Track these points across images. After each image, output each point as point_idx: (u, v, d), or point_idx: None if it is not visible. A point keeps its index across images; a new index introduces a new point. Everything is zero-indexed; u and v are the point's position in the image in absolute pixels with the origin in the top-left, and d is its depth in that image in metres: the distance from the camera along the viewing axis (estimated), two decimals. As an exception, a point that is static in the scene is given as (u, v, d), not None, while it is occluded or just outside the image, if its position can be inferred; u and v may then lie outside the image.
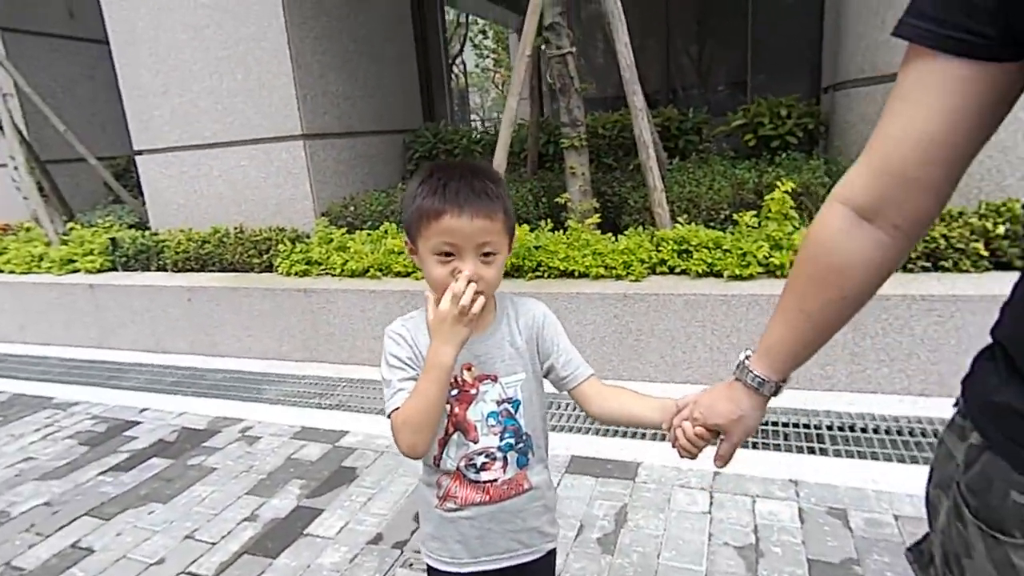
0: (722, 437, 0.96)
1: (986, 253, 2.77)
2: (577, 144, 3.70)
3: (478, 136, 5.50)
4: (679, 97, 6.01)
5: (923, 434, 2.37)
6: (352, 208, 4.43)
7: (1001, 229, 2.79)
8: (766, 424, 2.51)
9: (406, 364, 1.04)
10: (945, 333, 2.57)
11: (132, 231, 5.01)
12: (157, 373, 3.86)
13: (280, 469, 2.58)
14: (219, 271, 4.44)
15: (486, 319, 1.08)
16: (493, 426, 1.07)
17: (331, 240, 4.06)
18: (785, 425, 2.51)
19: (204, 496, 2.43)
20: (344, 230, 4.14)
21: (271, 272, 4.20)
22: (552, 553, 1.20)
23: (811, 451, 2.34)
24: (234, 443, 2.86)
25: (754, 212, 3.23)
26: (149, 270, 4.65)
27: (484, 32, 19.79)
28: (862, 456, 2.28)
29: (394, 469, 2.49)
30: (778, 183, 3.14)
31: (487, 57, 21.26)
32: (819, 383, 2.76)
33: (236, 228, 4.66)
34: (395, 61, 5.69)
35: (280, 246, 4.14)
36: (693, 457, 0.99)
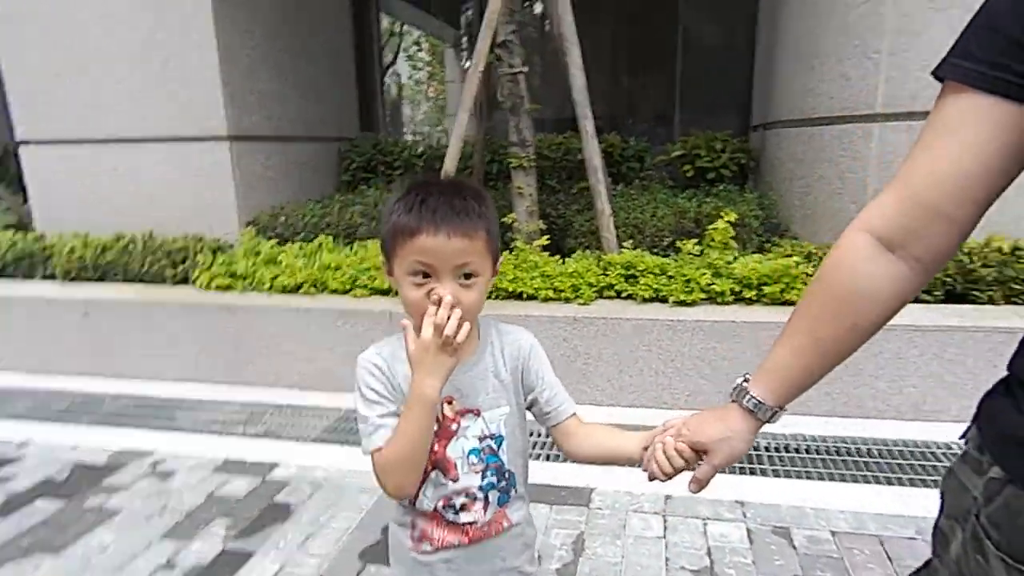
0: (702, 460, 0.91)
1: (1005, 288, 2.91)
2: (526, 164, 3.67)
3: (420, 150, 5.36)
4: (617, 125, 6.19)
5: (848, 453, 2.50)
6: (283, 218, 4.16)
7: None
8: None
9: (384, 398, 0.95)
10: (864, 359, 2.73)
11: (10, 233, 4.44)
12: (43, 399, 3.38)
13: (201, 508, 2.31)
14: (123, 282, 4.02)
15: (468, 347, 0.99)
16: (475, 464, 1.00)
17: (259, 252, 3.78)
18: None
19: (107, 544, 2.12)
20: (274, 242, 3.87)
21: (187, 285, 3.85)
22: None
23: (753, 472, 2.40)
24: (143, 480, 2.54)
25: (695, 240, 3.32)
26: (32, 279, 4.13)
27: (419, 44, 19.65)
28: (798, 476, 2.37)
29: (334, 503, 2.29)
30: (721, 214, 3.25)
31: (421, 69, 21.11)
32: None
33: (145, 235, 4.26)
34: (332, 65, 5.48)
35: (199, 257, 3.80)
36: (666, 477, 0.94)
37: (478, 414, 1.00)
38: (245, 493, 2.39)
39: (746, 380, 0.88)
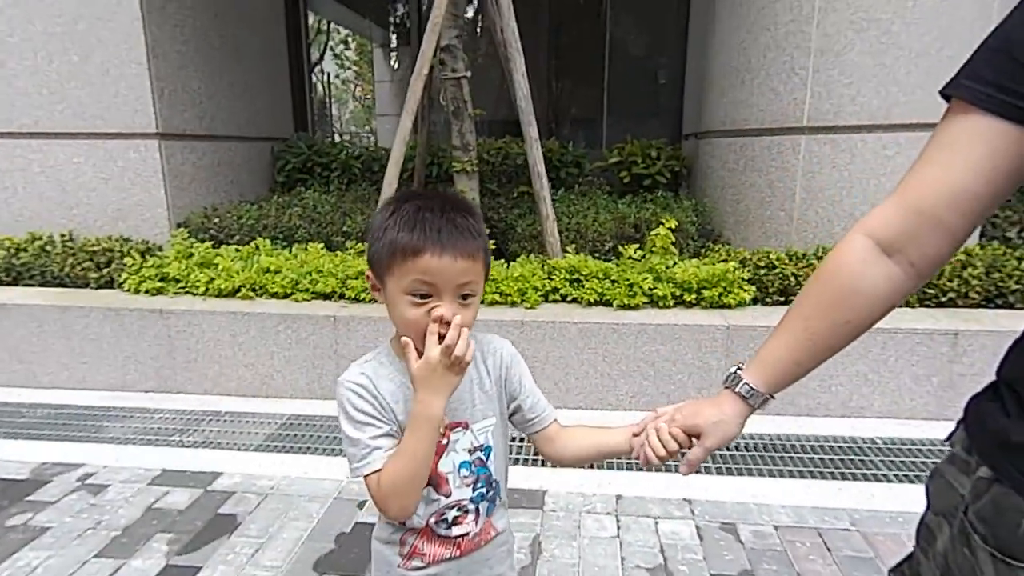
0: (695, 443, 0.96)
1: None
2: (468, 168, 3.70)
3: (357, 152, 5.27)
4: (550, 130, 6.30)
5: (784, 449, 2.66)
6: (217, 220, 4.00)
7: None
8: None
9: (373, 419, 0.93)
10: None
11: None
12: (-49, 410, 3.13)
13: (139, 523, 2.20)
14: (40, 286, 3.76)
15: None
16: (465, 477, 1.00)
17: (191, 255, 3.62)
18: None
19: (36, 564, 1.99)
20: (209, 244, 3.72)
21: (112, 289, 3.64)
22: None
23: (698, 471, 2.46)
24: (72, 494, 2.39)
25: (636, 245, 3.45)
26: (-66, 280, 3.80)
27: (346, 43, 19.20)
28: (740, 473, 2.49)
29: (283, 513, 2.24)
30: (663, 220, 3.39)
31: (348, 69, 20.64)
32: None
33: (64, 236, 3.99)
34: (265, 64, 5.30)
35: (127, 259, 3.61)
36: (660, 461, 0.98)
37: (467, 427, 1.00)
38: (186, 505, 2.30)
39: (739, 369, 0.93)
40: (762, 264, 3.25)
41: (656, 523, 2.18)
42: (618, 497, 2.33)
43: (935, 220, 0.71)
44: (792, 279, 3.19)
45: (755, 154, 3.76)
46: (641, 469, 2.49)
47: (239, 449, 2.71)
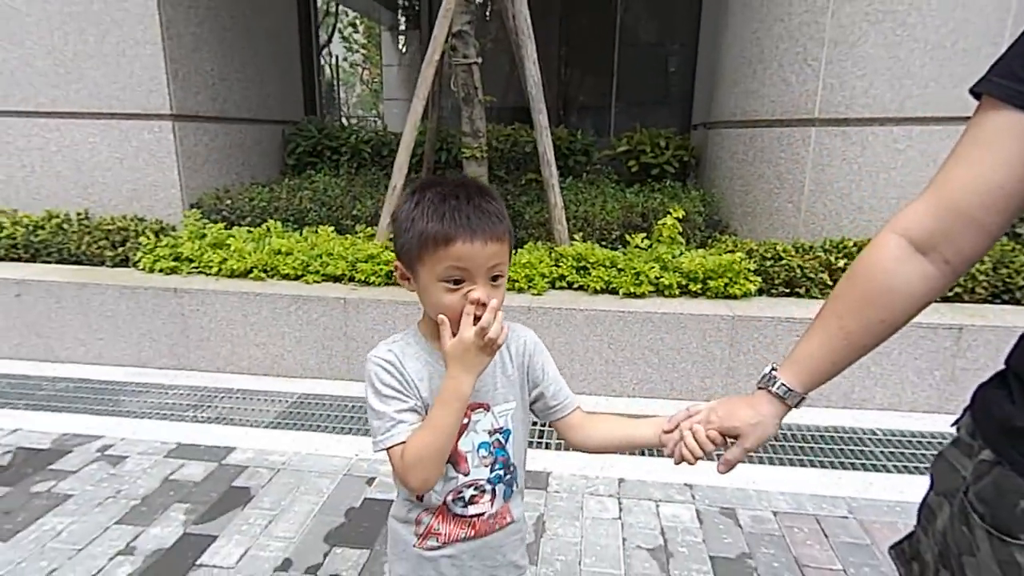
0: (732, 442, 0.98)
1: (831, 282, 3.25)
2: (478, 155, 3.73)
3: (367, 136, 5.30)
4: (559, 118, 6.30)
5: (786, 439, 2.71)
6: (229, 201, 4.06)
7: (842, 263, 3.27)
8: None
9: (399, 393, 0.97)
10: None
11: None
12: (-29, 382, 3.22)
13: (157, 492, 2.28)
14: (57, 263, 3.83)
15: None
16: (484, 457, 1.03)
17: (204, 235, 3.68)
18: (675, 433, 2.74)
19: (60, 529, 2.08)
20: (221, 225, 3.78)
21: (127, 267, 3.71)
22: None
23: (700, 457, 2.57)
24: (92, 464, 2.47)
25: (643, 234, 3.48)
26: (-49, 257, 3.88)
27: (354, 26, 19.10)
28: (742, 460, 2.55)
29: (295, 488, 2.31)
30: (670, 209, 3.42)
31: (356, 52, 20.54)
32: (700, 396, 3.04)
33: (80, 214, 4.06)
34: (276, 46, 5.32)
35: (142, 238, 3.67)
36: (692, 462, 1.00)
37: (488, 408, 1.03)
38: (202, 477, 2.38)
39: (774, 369, 0.94)
40: (768, 255, 3.28)
41: (657, 506, 2.24)
42: (620, 480, 2.39)
43: (969, 218, 0.72)
44: (798, 271, 3.22)
45: (765, 145, 3.77)
46: (643, 453, 2.57)
47: (251, 425, 2.79)
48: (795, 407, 0.94)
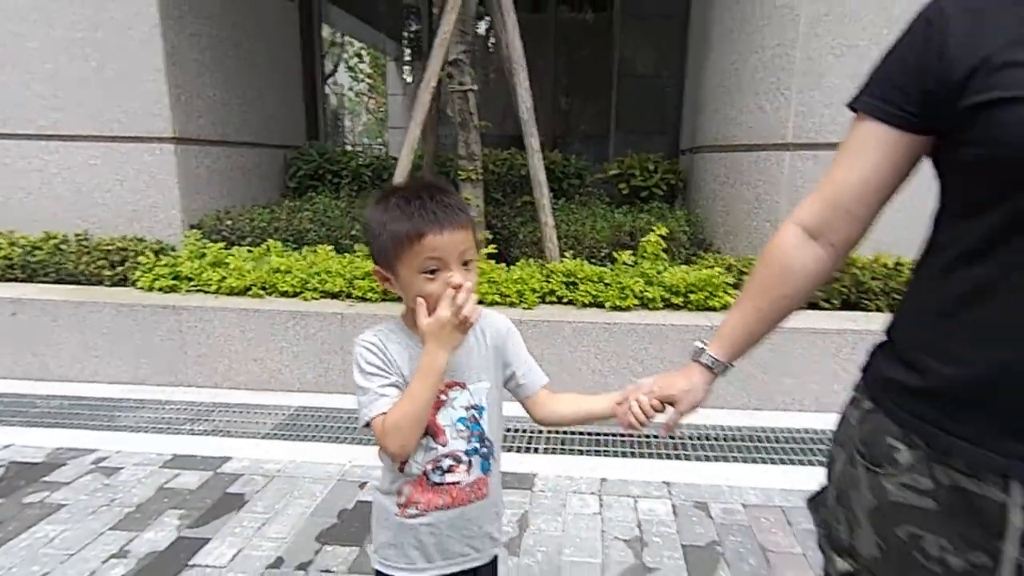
0: (671, 408, 1.12)
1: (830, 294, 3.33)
2: (474, 177, 3.86)
3: (367, 160, 5.46)
4: (557, 144, 6.50)
5: (759, 440, 2.81)
6: (229, 222, 4.16)
7: (867, 276, 3.37)
8: (644, 437, 2.81)
9: (382, 371, 1.07)
10: (773, 358, 3.05)
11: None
12: (-35, 398, 3.24)
13: (151, 500, 2.32)
14: (54, 283, 3.90)
15: None
16: (462, 431, 1.13)
17: (203, 255, 3.78)
18: (657, 438, 2.82)
19: (53, 536, 2.11)
20: (221, 244, 3.87)
21: (125, 286, 3.78)
22: (496, 558, 1.27)
23: (679, 457, 2.67)
24: (86, 475, 2.51)
25: (630, 251, 3.61)
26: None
27: (360, 56, 19.54)
28: (716, 459, 2.66)
29: (288, 493, 2.37)
30: (653, 227, 3.55)
31: (362, 81, 20.96)
32: (685, 404, 3.12)
33: (79, 235, 4.15)
34: (279, 73, 5.51)
35: (141, 258, 3.76)
36: (641, 426, 1.14)
37: (464, 386, 1.14)
38: (197, 485, 2.42)
39: (704, 345, 1.09)
40: (746, 270, 3.41)
41: (636, 502, 2.34)
42: (603, 480, 2.48)
43: (845, 210, 0.89)
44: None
45: (744, 168, 3.94)
46: (626, 455, 2.66)
47: (247, 437, 2.84)
48: (721, 375, 1.09)
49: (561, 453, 2.70)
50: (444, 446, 1.11)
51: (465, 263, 1.05)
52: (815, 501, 1.02)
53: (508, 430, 2.87)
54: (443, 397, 1.11)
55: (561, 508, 2.28)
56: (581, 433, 2.86)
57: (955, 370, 0.77)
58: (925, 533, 0.80)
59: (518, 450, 2.70)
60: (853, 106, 0.88)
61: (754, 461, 2.63)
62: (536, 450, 2.70)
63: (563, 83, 6.97)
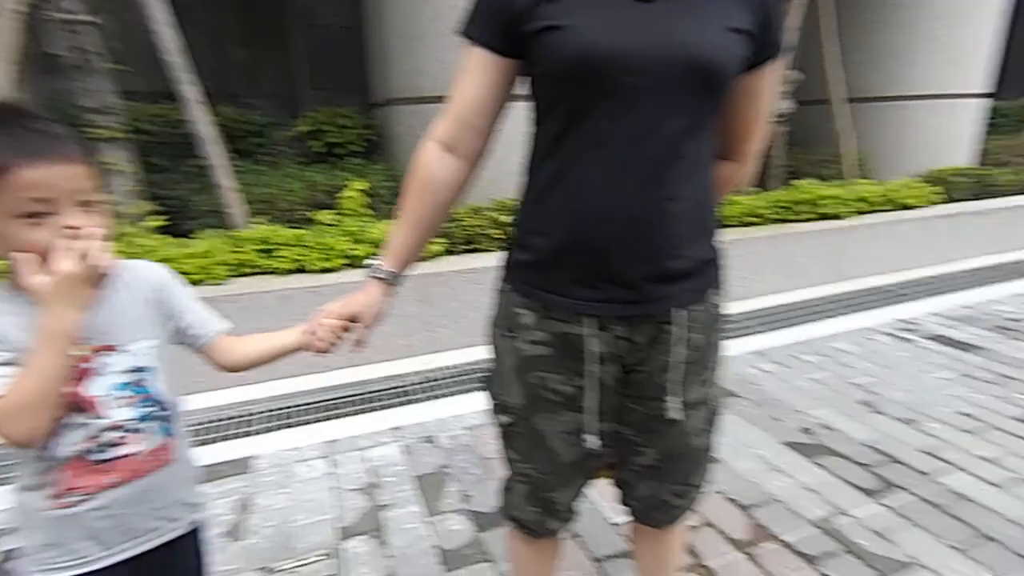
0: (358, 325, 1.15)
1: (499, 235, 3.68)
2: (117, 136, 3.20)
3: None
4: (236, 101, 5.81)
5: (474, 373, 3.04)
6: None
7: (504, 218, 3.73)
8: (372, 392, 2.83)
9: None
10: (483, 295, 3.30)
11: None
12: None
13: None
14: None
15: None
16: (127, 398, 0.96)
17: None
18: (384, 390, 2.87)
19: None
20: None
21: None
22: (199, 529, 1.15)
23: (405, 403, 2.75)
24: None
25: (331, 211, 3.46)
26: None
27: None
28: (439, 397, 2.81)
29: None
30: (348, 184, 3.45)
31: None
32: (402, 352, 3.20)
33: None
34: None
35: None
36: (332, 347, 1.14)
37: (119, 349, 0.96)
38: None
39: (378, 261, 1.15)
40: (448, 221, 3.56)
41: (366, 452, 2.35)
42: (332, 441, 2.42)
43: (468, 124, 1.04)
44: (475, 229, 3.57)
45: (430, 119, 4.02)
46: (355, 414, 2.63)
47: None
48: (396, 285, 1.17)
49: (286, 428, 2.53)
50: (102, 419, 0.93)
51: (85, 205, 0.86)
52: (486, 380, 1.20)
53: (213, 420, 2.57)
54: (91, 365, 0.92)
55: (287, 480, 2.17)
56: (308, 404, 2.72)
57: (543, 242, 1.01)
58: (548, 374, 1.05)
59: (228, 438, 2.45)
60: (463, 34, 1.01)
61: (469, 392, 2.83)
62: (252, 433, 2.48)
63: (237, 32, 6.23)
